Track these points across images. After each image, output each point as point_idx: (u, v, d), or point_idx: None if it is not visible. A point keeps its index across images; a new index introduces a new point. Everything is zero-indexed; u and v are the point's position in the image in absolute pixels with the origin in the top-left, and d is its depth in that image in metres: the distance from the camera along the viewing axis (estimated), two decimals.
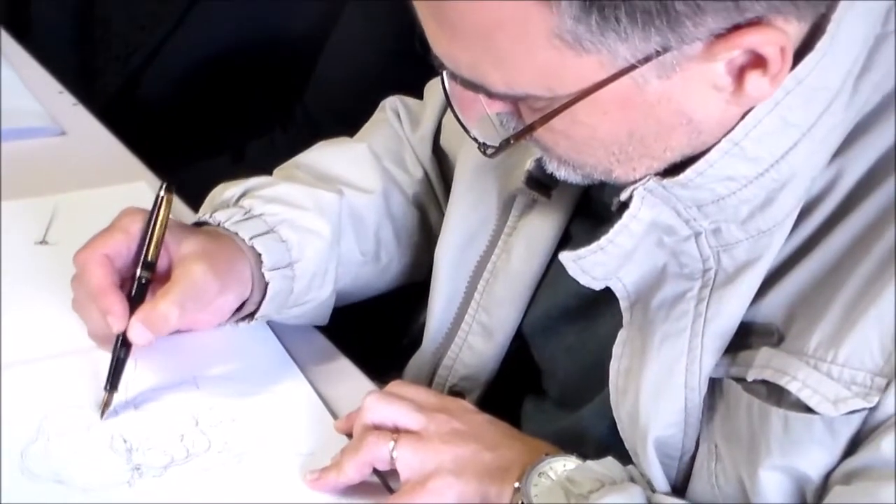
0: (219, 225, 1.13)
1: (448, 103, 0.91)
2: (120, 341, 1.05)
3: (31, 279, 1.24)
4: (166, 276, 1.07)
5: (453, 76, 0.86)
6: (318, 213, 1.16)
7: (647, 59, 0.79)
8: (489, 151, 0.90)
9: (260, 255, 1.11)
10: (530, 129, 0.86)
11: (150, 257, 1.06)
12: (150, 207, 1.08)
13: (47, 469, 1.02)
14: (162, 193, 1.07)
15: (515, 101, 0.86)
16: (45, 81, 1.57)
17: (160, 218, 1.06)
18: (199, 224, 1.16)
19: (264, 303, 1.12)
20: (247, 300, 1.12)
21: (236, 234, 1.12)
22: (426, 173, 1.25)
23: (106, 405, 1.06)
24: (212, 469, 1.06)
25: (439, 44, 0.84)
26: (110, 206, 1.33)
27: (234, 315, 1.13)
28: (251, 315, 1.14)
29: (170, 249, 1.07)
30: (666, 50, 0.79)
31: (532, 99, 0.85)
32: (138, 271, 1.06)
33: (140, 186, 1.40)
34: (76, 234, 1.27)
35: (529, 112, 0.86)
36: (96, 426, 1.06)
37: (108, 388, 1.06)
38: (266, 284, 1.12)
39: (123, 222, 1.09)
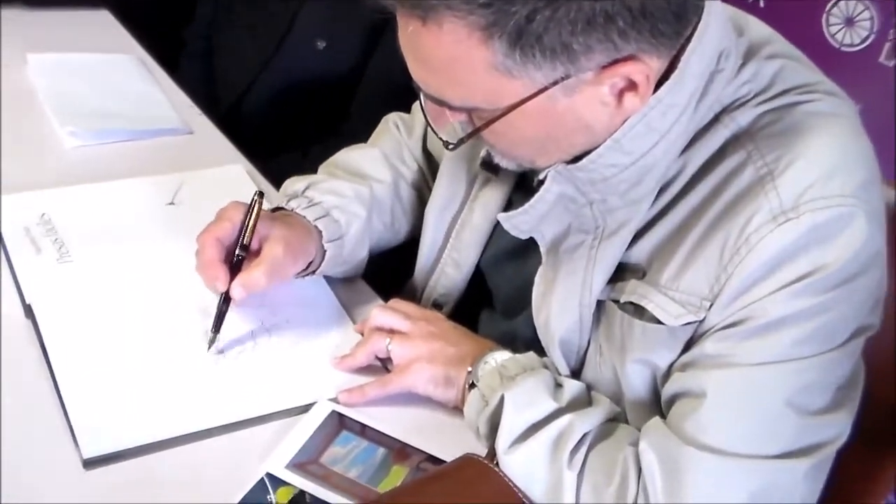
0: (292, 210, 1.12)
1: (424, 115, 0.90)
2: (222, 298, 1.03)
3: (163, 226, 1.24)
4: (257, 251, 1.05)
5: (426, 95, 0.85)
6: (358, 201, 1.15)
7: (555, 83, 0.79)
8: (450, 146, 0.89)
9: (321, 231, 1.10)
10: (477, 131, 0.86)
11: (245, 241, 1.04)
12: (246, 200, 1.06)
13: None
14: (255, 198, 1.05)
15: (468, 112, 0.85)
16: (181, 99, 1.57)
17: (253, 214, 1.04)
18: (278, 208, 1.14)
19: (323, 263, 1.11)
20: (311, 262, 1.11)
21: (304, 217, 1.11)
22: (420, 166, 1.23)
23: (211, 342, 1.04)
24: (271, 353, 1.06)
25: (416, 73, 0.84)
26: (218, 181, 1.36)
27: (302, 272, 1.11)
28: (313, 272, 1.13)
29: (260, 234, 1.05)
30: (568, 76, 0.78)
31: (479, 110, 0.84)
32: (237, 250, 1.04)
33: (238, 168, 1.39)
34: (195, 198, 1.30)
35: (478, 120, 0.85)
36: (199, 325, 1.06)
37: (213, 330, 1.04)
38: (325, 251, 1.11)
39: (229, 213, 1.06)
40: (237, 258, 1.04)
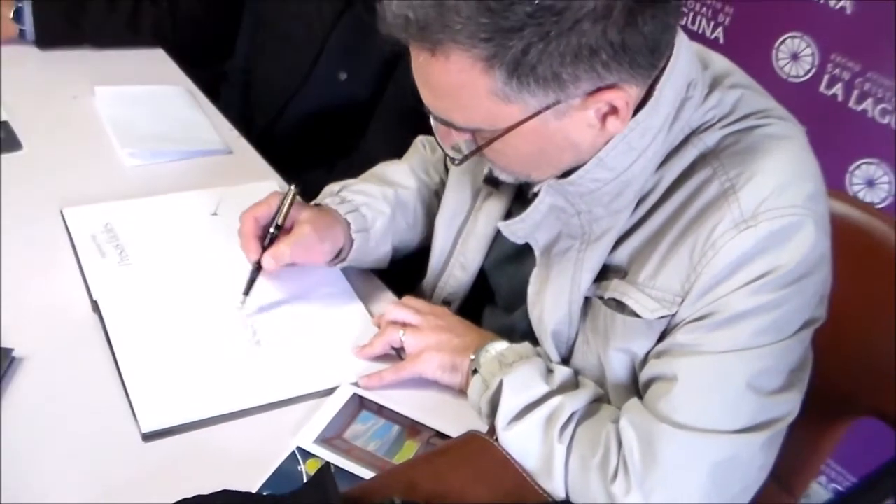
0: (327, 206, 1.11)
1: (433, 134, 0.88)
2: (254, 267, 1.04)
3: (208, 233, 1.22)
4: (290, 230, 1.05)
5: (435, 117, 0.83)
6: (384, 201, 1.13)
7: (547, 108, 0.77)
8: (456, 162, 0.87)
9: (350, 223, 1.09)
10: (479, 148, 0.83)
11: (278, 221, 1.05)
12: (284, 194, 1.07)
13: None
14: (291, 188, 1.07)
15: (472, 132, 0.83)
16: (222, 123, 1.54)
17: (288, 199, 1.05)
18: (316, 205, 1.13)
19: (351, 252, 1.09)
20: (340, 251, 1.08)
21: (337, 210, 1.09)
22: (441, 178, 1.21)
23: (242, 302, 1.04)
24: (302, 342, 1.04)
25: (426, 98, 0.82)
26: (253, 194, 1.30)
27: (333, 260, 1.09)
28: (343, 259, 1.10)
29: (293, 217, 1.05)
30: (559, 102, 0.77)
31: (481, 131, 0.82)
32: (271, 229, 1.05)
33: (271, 183, 1.36)
34: (234, 210, 1.24)
35: (480, 139, 0.83)
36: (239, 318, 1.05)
37: (244, 293, 1.04)
38: (352, 241, 1.09)
39: (268, 199, 1.07)
40: (271, 235, 1.05)
